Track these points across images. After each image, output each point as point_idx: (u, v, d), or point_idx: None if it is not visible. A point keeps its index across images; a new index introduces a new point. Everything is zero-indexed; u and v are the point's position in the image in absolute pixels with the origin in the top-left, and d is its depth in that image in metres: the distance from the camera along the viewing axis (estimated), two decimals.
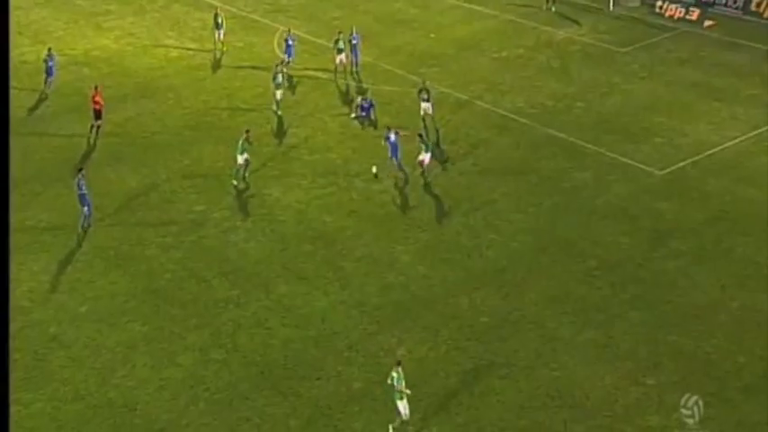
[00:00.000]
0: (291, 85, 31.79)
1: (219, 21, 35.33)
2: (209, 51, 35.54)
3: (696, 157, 26.67)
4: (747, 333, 19.07)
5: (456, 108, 30.33)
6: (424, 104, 28.25)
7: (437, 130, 28.33)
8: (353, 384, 17.75)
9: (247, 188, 25.13)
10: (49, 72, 31.08)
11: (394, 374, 16.25)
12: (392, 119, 28.67)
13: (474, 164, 26.43)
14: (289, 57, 32.74)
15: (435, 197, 24.65)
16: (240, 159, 25.13)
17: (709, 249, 22.15)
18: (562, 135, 28.16)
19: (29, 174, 25.09)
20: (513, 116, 29.59)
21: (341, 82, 32.18)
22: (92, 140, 27.36)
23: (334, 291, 20.62)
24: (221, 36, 35.33)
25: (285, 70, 31.04)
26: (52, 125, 28.92)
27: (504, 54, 35.22)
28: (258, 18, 39.70)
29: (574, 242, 22.42)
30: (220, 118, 29.83)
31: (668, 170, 25.96)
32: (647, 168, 25.99)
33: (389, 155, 25.03)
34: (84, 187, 22.69)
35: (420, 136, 25.41)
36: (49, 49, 31.53)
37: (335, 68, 32.12)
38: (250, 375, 18.00)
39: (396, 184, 25.16)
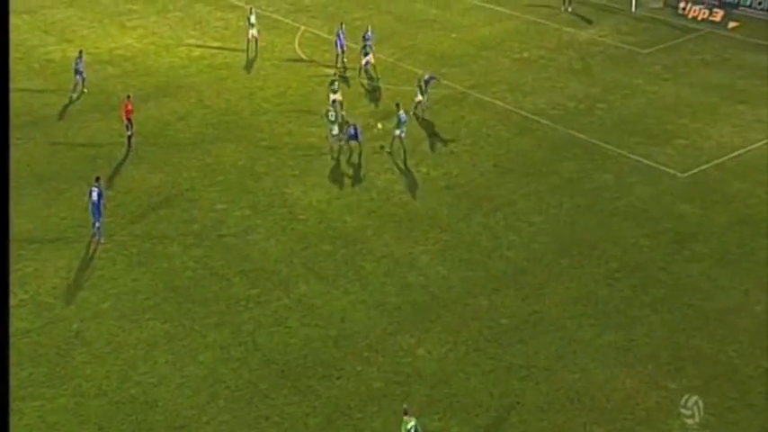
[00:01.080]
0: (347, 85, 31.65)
1: (252, 20, 35.32)
2: (230, 50, 35.69)
3: (719, 160, 26.39)
4: None
5: (477, 108, 30.23)
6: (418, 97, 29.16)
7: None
8: (373, 384, 17.72)
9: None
10: (78, 73, 30.82)
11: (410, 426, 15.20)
12: (410, 119, 28.60)
13: (495, 164, 26.32)
14: (342, 51, 32.66)
15: (456, 197, 24.57)
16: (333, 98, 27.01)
17: (732, 252, 21.89)
18: (584, 136, 27.97)
19: (53, 171, 25.29)
20: (534, 117, 29.44)
21: (365, 82, 32.02)
22: (126, 151, 26.79)
23: (353, 290, 20.62)
24: (255, 34, 35.13)
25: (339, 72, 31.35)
26: (76, 123, 29.15)
27: (525, 55, 35.06)
28: (280, 18, 39.80)
29: (595, 244, 22.26)
30: (242, 117, 29.92)
31: (691, 173, 25.71)
32: (670, 171, 25.75)
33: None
34: (97, 197, 22.03)
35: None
36: (81, 52, 31.27)
37: (360, 69, 32.00)
38: (270, 374, 18.03)
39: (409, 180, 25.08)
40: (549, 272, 21.16)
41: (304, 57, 34.68)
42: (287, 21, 39.36)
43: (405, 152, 26.89)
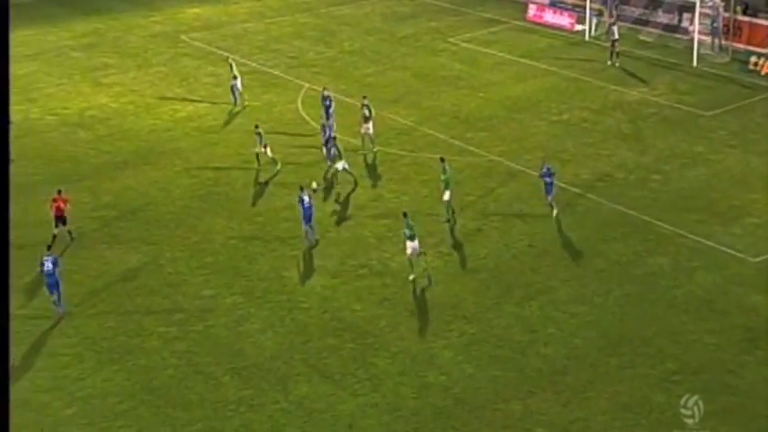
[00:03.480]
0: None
1: (234, 72, 37.18)
2: (222, 111, 37.34)
3: None
4: None
5: (507, 179, 31.30)
6: (364, 124, 32.18)
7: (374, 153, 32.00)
8: None
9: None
10: None
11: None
12: (432, 190, 29.71)
13: (529, 245, 27.20)
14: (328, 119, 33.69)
15: (483, 283, 25.36)
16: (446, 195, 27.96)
17: None
18: (634, 213, 28.85)
19: (12, 256, 26.16)
20: (575, 190, 30.44)
21: (369, 154, 33.22)
22: (64, 251, 26.73)
23: (363, 392, 21.22)
24: (239, 87, 37.24)
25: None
26: (38, 196, 29.83)
27: (565, 117, 36.38)
28: (280, 74, 41.67)
29: (649, 340, 22.83)
30: (234, 188, 31.17)
31: (764, 257, 26.35)
32: (738, 254, 26.43)
33: (302, 220, 27.14)
34: (52, 266, 23.62)
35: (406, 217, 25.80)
36: None
37: (362, 138, 33.36)
38: None
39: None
40: (593, 372, 21.69)
41: (308, 119, 36.16)
42: (288, 77, 41.19)
43: (452, 215, 28.30)
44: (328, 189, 30.76)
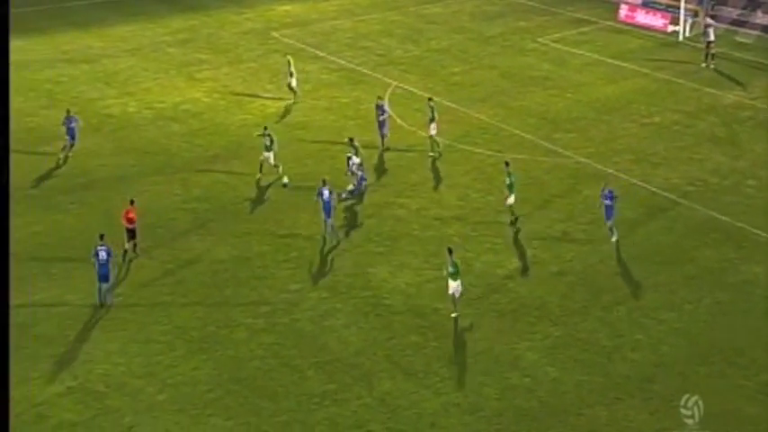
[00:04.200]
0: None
1: (291, 69, 37.70)
2: (310, 107, 37.72)
3: None
4: None
5: (596, 182, 30.69)
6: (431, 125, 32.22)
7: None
8: None
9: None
10: (71, 135, 32.66)
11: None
12: (517, 191, 29.40)
13: (617, 249, 26.70)
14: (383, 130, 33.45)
15: (569, 286, 25.03)
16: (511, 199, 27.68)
17: None
18: (727, 219, 28.11)
19: (108, 241, 26.77)
20: (665, 194, 29.80)
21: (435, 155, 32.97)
22: (125, 268, 26.20)
23: (446, 391, 21.17)
24: (294, 84, 37.74)
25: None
26: (134, 186, 31.03)
27: (656, 120, 35.64)
28: (367, 71, 41.86)
29: (741, 350, 22.20)
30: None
31: None
32: None
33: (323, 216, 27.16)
34: (104, 258, 23.89)
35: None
36: (68, 111, 33.22)
37: (431, 139, 33.01)
38: None
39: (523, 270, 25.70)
40: (682, 381, 21.20)
41: (395, 117, 36.23)
42: (376, 75, 41.34)
43: (515, 221, 27.82)
44: (416, 187, 30.80)
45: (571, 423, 20.06)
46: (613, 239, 26.72)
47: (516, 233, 27.69)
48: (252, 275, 25.97)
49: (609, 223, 26.90)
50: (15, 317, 23.74)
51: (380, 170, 32.10)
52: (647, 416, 20.18)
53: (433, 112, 32.78)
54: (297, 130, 35.68)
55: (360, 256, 26.85)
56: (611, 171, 31.23)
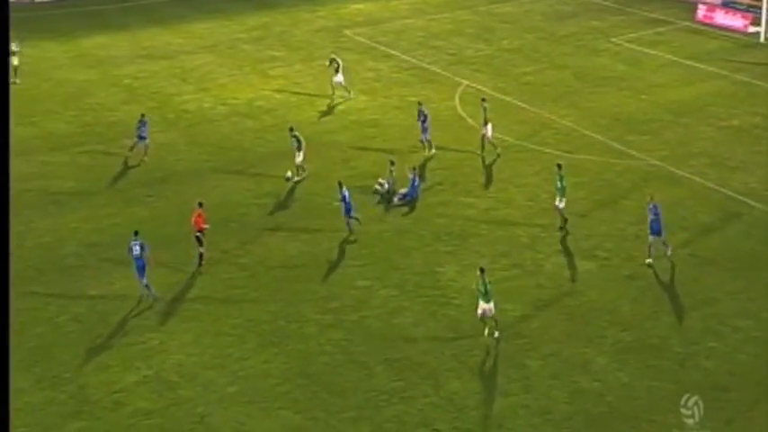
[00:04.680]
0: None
1: (337, 66, 37.87)
2: (381, 105, 37.82)
3: None
4: None
5: (670, 185, 30.26)
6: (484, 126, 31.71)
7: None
8: None
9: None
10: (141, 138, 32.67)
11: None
12: (588, 192, 29.13)
13: (692, 254, 26.20)
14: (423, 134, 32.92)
15: (641, 290, 24.64)
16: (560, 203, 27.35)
17: None
18: None
19: (184, 234, 27.33)
20: (743, 199, 29.11)
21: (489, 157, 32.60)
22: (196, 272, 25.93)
23: (514, 392, 21.05)
24: (341, 81, 37.89)
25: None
26: (209, 181, 31.66)
27: (734, 123, 34.84)
28: (438, 70, 41.81)
29: None
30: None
31: None
32: None
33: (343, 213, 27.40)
34: (138, 252, 24.07)
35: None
36: (142, 115, 33.23)
37: (482, 140, 32.62)
38: None
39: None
40: (760, 392, 20.67)
41: (465, 116, 36.12)
42: (446, 74, 41.27)
43: (564, 224, 27.38)
44: (485, 187, 30.68)
45: (643, 429, 19.74)
46: (668, 253, 25.68)
47: (564, 237, 27.27)
48: (321, 272, 26.17)
49: (652, 239, 25.35)
50: (95, 306, 24.52)
51: (449, 169, 32.02)
52: (722, 425, 19.72)
53: (486, 113, 32.50)
54: (367, 128, 35.83)
55: (428, 255, 26.84)
56: (685, 174, 30.64)
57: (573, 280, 25.24)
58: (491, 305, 22.39)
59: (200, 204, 26.46)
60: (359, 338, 23.14)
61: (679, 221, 27.92)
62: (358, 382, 21.52)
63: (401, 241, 27.65)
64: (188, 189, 30.95)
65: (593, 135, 34.19)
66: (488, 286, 22.44)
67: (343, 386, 21.41)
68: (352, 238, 27.55)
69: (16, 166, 31.86)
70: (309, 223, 28.88)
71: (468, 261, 26.35)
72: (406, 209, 29.49)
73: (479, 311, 22.62)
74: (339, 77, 38.08)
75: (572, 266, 25.86)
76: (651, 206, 25.57)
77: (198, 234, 26.05)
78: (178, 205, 29.57)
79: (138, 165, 32.70)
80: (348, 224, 27.82)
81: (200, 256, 26.12)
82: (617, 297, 24.41)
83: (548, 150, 33.05)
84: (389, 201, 29.84)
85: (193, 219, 26.12)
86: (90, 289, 24.78)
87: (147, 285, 24.45)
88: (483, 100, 33.50)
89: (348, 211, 27.72)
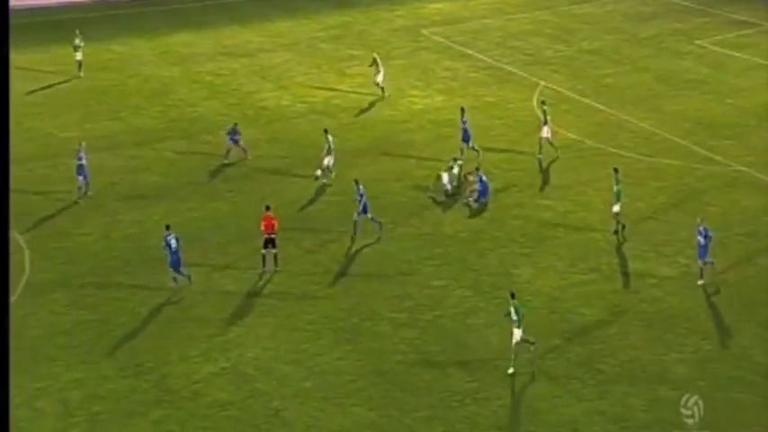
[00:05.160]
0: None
1: (378, 66, 37.94)
2: (457, 106, 37.57)
3: None
4: None
5: (756, 192, 29.45)
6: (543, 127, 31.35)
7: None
8: None
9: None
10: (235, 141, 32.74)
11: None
12: (668, 197, 28.51)
13: None
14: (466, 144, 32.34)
15: (723, 299, 24.00)
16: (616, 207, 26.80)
17: None
18: None
19: (258, 232, 27.61)
20: None
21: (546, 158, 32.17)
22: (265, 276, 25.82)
23: (589, 397, 20.70)
24: (380, 80, 37.89)
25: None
26: (287, 178, 32.00)
27: None
28: (516, 71, 41.41)
29: None
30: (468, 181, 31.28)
31: None
32: None
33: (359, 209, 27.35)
34: (175, 245, 24.51)
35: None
36: (235, 124, 33.16)
37: (539, 142, 32.21)
38: None
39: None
40: None
41: (541, 116, 35.65)
42: (523, 74, 40.87)
43: (621, 230, 26.84)
44: (562, 189, 30.29)
45: None
46: (700, 282, 24.36)
47: (621, 244, 26.73)
48: (396, 271, 26.16)
49: (700, 262, 24.29)
50: (175, 298, 24.98)
51: (526, 171, 31.70)
52: None
53: (545, 115, 32.02)
54: (444, 128, 35.68)
55: (504, 256, 26.61)
56: None
57: (652, 286, 24.70)
58: (521, 330, 21.23)
59: (268, 208, 26.18)
60: (432, 338, 23.06)
61: (765, 228, 27.14)
62: (431, 382, 21.44)
63: (476, 242, 27.48)
64: (265, 186, 31.34)
65: (674, 139, 33.44)
66: (521, 310, 21.33)
67: (416, 385, 21.36)
68: (373, 238, 27.40)
69: (106, 160, 32.98)
70: (385, 222, 28.75)
71: (545, 264, 26.07)
72: (480, 209, 29.30)
73: (514, 340, 21.23)
74: (379, 78, 38.10)
75: (651, 272, 25.33)
76: (701, 229, 24.18)
77: (272, 236, 25.71)
78: (255, 201, 29.88)
79: (234, 163, 32.82)
80: (356, 223, 27.57)
81: (275, 257, 26.03)
82: (697, 305, 23.83)
83: (627, 154, 32.44)
84: (453, 197, 29.77)
85: (263, 223, 25.80)
86: (170, 281, 25.22)
87: (184, 274, 24.83)
88: (542, 102, 33.14)
89: (365, 210, 27.54)
